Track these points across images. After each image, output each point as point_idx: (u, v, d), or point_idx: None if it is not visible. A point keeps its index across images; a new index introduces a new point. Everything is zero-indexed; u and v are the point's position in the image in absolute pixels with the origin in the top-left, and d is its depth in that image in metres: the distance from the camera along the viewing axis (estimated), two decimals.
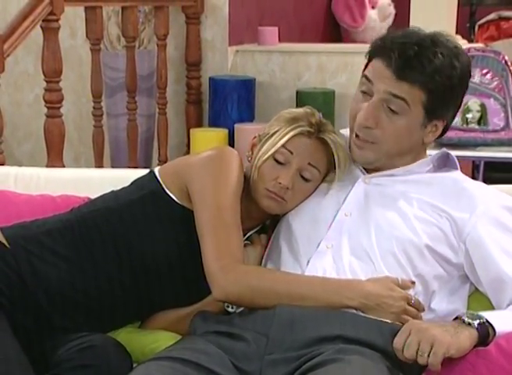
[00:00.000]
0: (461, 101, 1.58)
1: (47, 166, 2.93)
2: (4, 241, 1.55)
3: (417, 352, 1.32)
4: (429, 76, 1.48)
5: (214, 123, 3.68)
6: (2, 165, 2.70)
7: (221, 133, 3.56)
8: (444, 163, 1.62)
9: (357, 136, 1.55)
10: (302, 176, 1.57)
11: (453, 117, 1.59)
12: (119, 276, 1.53)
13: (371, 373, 1.30)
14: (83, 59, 3.73)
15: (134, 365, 1.47)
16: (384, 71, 1.50)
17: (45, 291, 1.51)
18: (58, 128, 2.97)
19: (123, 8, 3.33)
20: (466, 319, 1.37)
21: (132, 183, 1.64)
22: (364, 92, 1.54)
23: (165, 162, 3.57)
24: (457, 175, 1.60)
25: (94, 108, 3.25)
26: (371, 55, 1.54)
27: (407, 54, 1.48)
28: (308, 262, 1.50)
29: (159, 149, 3.63)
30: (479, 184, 1.60)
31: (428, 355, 1.31)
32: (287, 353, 1.36)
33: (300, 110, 1.60)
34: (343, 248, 1.50)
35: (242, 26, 3.89)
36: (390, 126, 1.52)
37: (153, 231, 1.55)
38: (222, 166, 1.53)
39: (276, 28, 3.91)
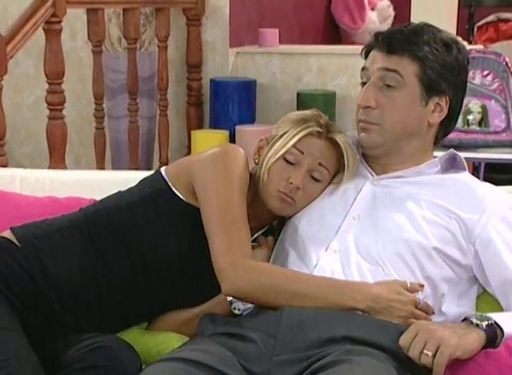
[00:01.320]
0: (464, 86, 1.59)
1: (49, 168, 2.92)
2: (15, 241, 1.56)
3: (421, 352, 1.32)
4: (417, 46, 1.53)
5: (215, 125, 3.68)
6: (5, 167, 2.70)
7: (222, 134, 3.57)
8: (452, 164, 1.63)
9: (360, 120, 1.57)
10: (312, 177, 1.57)
11: (460, 102, 1.59)
12: (126, 273, 1.54)
13: (379, 373, 1.30)
14: (83, 61, 3.73)
15: (143, 366, 1.47)
16: (376, 54, 1.56)
17: (55, 288, 1.53)
18: (61, 130, 2.97)
19: (125, 10, 3.33)
20: (474, 321, 1.37)
21: (139, 183, 1.65)
22: (363, 83, 1.58)
23: (166, 163, 3.57)
24: (465, 176, 1.61)
25: (95, 110, 3.25)
26: (367, 51, 1.60)
27: (394, 32, 1.58)
28: (316, 265, 1.50)
29: (160, 151, 3.63)
30: (488, 185, 1.61)
31: (434, 356, 1.31)
32: (295, 354, 1.36)
33: (308, 112, 1.62)
34: (352, 251, 1.50)
35: (242, 27, 3.90)
36: (389, 103, 1.54)
37: (160, 229, 1.55)
38: (227, 163, 1.54)
39: (277, 30, 3.91)
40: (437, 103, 1.55)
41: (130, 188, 1.64)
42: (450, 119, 1.59)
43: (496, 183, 1.64)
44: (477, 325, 1.37)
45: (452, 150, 1.63)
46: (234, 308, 1.54)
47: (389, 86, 1.54)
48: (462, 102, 1.61)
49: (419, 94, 1.54)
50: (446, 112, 1.57)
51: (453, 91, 1.56)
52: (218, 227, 1.49)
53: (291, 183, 1.54)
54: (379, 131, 1.55)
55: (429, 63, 1.53)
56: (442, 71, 1.54)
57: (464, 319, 1.40)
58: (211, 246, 1.49)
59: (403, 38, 1.54)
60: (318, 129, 1.57)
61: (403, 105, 1.54)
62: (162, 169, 1.62)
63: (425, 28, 1.57)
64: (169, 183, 1.58)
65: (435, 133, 1.60)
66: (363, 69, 1.59)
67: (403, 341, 1.35)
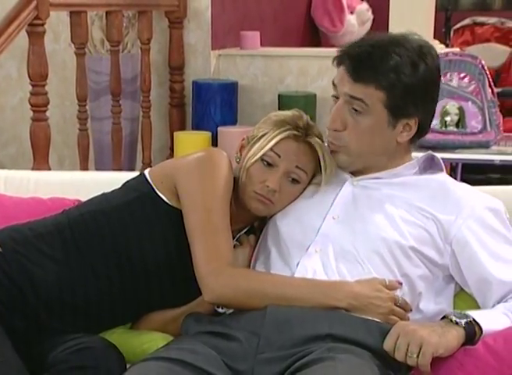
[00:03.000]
0: (434, 99, 1.58)
1: (32, 169, 2.93)
2: None
3: (406, 354, 1.34)
4: (383, 75, 1.51)
5: (197, 126, 3.71)
6: None
7: (204, 136, 3.60)
8: (430, 165, 1.64)
9: (328, 142, 1.58)
10: (289, 179, 1.58)
11: (430, 115, 1.58)
12: (110, 276, 1.55)
13: (361, 371, 1.31)
14: (66, 63, 3.74)
15: (128, 365, 1.47)
16: (344, 75, 1.55)
17: (37, 292, 1.52)
18: (44, 131, 2.99)
19: (108, 13, 3.35)
20: (453, 318, 1.39)
21: (123, 186, 1.65)
22: (334, 97, 1.58)
23: (149, 164, 3.60)
24: (443, 177, 1.62)
25: (79, 111, 3.26)
26: (337, 63, 1.58)
27: (361, 56, 1.53)
28: (298, 264, 1.51)
29: (143, 152, 3.65)
30: (464, 186, 1.62)
31: (418, 356, 1.34)
32: (279, 352, 1.38)
33: (288, 113, 1.62)
34: (331, 251, 1.52)
35: (224, 30, 3.93)
36: (356, 126, 1.54)
37: (144, 232, 1.56)
38: (211, 168, 1.54)
39: (258, 33, 3.95)
40: (406, 124, 1.55)
41: (114, 191, 1.64)
42: (422, 130, 1.58)
43: (473, 183, 1.66)
44: (456, 322, 1.39)
45: (430, 152, 1.64)
46: (218, 308, 1.54)
47: (356, 110, 1.53)
48: (434, 111, 1.60)
49: (386, 120, 1.53)
50: (415, 130, 1.56)
51: (422, 110, 1.55)
52: (200, 234, 1.50)
53: (267, 186, 1.55)
54: (346, 152, 1.56)
55: (395, 91, 1.51)
56: (409, 96, 1.52)
57: (444, 317, 1.42)
58: (193, 253, 1.50)
59: (370, 66, 1.51)
60: (296, 132, 1.57)
61: (370, 130, 1.54)
62: (146, 172, 1.62)
63: (392, 49, 1.52)
64: (153, 187, 1.58)
65: (407, 144, 1.60)
66: (333, 83, 1.58)
67: (388, 345, 1.37)
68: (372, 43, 1.55)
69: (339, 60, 1.57)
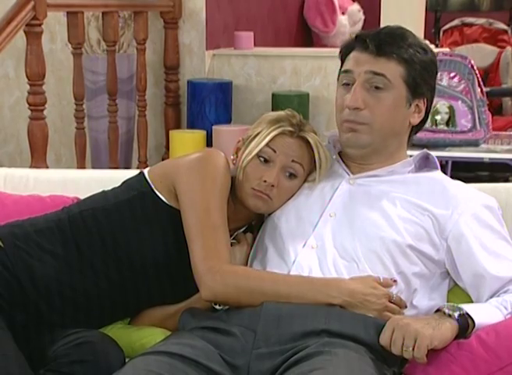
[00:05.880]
0: (434, 88, 1.63)
1: (30, 167, 2.96)
2: None
3: (402, 347, 1.37)
4: (404, 49, 1.57)
5: (192, 125, 3.74)
6: None
7: (199, 134, 3.63)
8: (425, 164, 1.66)
9: (347, 121, 1.59)
10: (286, 174, 1.60)
11: (430, 104, 1.63)
12: (108, 273, 1.56)
13: (356, 365, 1.33)
14: (63, 63, 3.78)
15: (126, 360, 1.49)
16: (361, 56, 1.58)
17: (38, 287, 1.54)
18: (42, 130, 3.02)
19: (104, 14, 3.39)
20: (447, 311, 1.42)
21: (122, 184, 1.66)
22: (346, 84, 1.60)
23: (145, 163, 3.64)
24: (438, 174, 1.65)
25: (76, 110, 3.29)
26: (347, 52, 1.61)
27: (381, 35, 1.60)
28: (294, 261, 1.53)
29: (139, 150, 3.68)
30: (459, 183, 1.65)
31: (413, 349, 1.36)
32: (274, 347, 1.40)
33: (282, 112, 1.66)
34: (328, 248, 1.53)
35: (219, 30, 3.97)
36: (377, 104, 1.57)
37: (142, 230, 1.57)
38: (210, 168, 1.56)
39: (252, 33, 3.99)
40: (416, 105, 1.59)
41: (114, 189, 1.65)
42: (424, 120, 1.63)
43: (462, 181, 1.68)
44: (449, 315, 1.41)
45: (425, 150, 1.66)
46: (215, 304, 1.55)
47: (377, 87, 1.56)
48: (432, 102, 1.64)
49: (405, 96, 1.58)
50: (423, 113, 1.61)
51: (430, 93, 1.61)
52: (197, 233, 1.51)
53: (265, 181, 1.57)
54: (368, 131, 1.58)
55: (414, 66, 1.57)
56: (424, 74, 1.58)
57: (437, 310, 1.45)
58: (191, 251, 1.51)
59: (392, 41, 1.57)
60: (290, 128, 1.60)
61: (392, 105, 1.57)
62: (145, 171, 1.64)
63: (405, 31, 1.61)
64: (152, 186, 1.59)
65: (405, 138, 1.64)
66: (344, 71, 1.60)
67: (384, 340, 1.39)
68: (387, 28, 1.63)
69: (350, 48, 1.61)
